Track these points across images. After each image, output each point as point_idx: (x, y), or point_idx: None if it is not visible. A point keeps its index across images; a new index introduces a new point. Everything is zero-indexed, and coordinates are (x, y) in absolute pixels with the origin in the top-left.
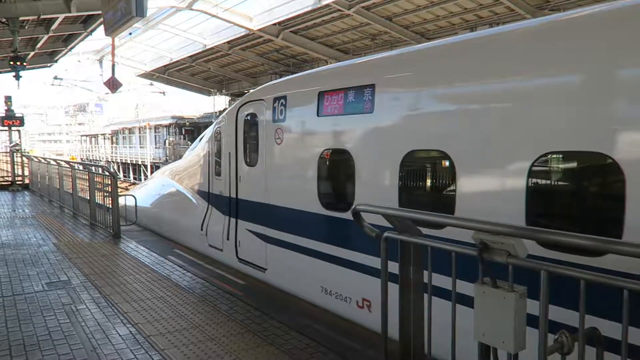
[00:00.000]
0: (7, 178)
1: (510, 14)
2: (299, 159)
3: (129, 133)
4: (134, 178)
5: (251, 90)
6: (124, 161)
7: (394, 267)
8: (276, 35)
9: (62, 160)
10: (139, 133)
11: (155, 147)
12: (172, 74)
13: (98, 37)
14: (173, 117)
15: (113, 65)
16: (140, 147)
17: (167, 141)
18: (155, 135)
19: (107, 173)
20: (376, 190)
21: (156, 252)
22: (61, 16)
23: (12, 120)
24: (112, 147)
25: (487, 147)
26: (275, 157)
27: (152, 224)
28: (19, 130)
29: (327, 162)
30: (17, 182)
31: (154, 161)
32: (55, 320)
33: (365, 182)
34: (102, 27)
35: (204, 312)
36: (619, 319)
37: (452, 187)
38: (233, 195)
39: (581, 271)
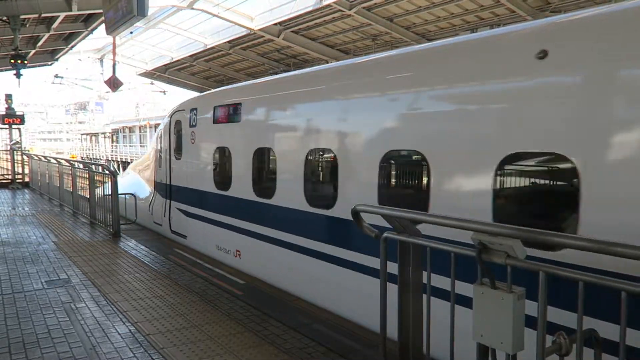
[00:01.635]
0: (7, 176)
1: (511, 15)
2: (202, 154)
3: (129, 132)
4: None
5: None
6: (124, 160)
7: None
8: (277, 35)
9: (62, 159)
10: (139, 132)
11: None
12: (172, 73)
13: (99, 35)
14: None
15: (114, 64)
16: (141, 145)
17: None
18: None
19: (107, 172)
20: (242, 175)
21: (156, 251)
22: (62, 15)
23: (12, 118)
24: (112, 145)
25: (293, 144)
26: (190, 152)
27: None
28: (19, 129)
29: (218, 156)
30: (17, 180)
31: None
32: (55, 319)
33: (237, 170)
34: (103, 25)
35: (203, 311)
36: (617, 320)
37: (273, 170)
38: (168, 182)
39: (579, 272)
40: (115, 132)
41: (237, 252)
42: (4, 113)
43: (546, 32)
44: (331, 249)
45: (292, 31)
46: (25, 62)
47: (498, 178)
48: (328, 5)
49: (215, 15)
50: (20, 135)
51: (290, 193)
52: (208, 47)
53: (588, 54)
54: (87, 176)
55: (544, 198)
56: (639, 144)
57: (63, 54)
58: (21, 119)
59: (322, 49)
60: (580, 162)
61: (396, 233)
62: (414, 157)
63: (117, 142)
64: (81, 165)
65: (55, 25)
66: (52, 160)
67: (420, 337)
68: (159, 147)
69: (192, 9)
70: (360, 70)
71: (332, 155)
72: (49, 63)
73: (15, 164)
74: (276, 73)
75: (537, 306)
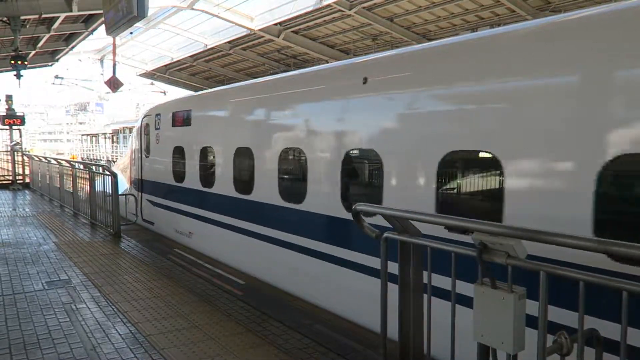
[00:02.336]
0: (7, 177)
1: (511, 15)
2: (164, 152)
3: (130, 132)
4: None
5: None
6: None
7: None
8: (277, 35)
9: (62, 160)
10: None
11: None
12: (172, 73)
13: (99, 36)
14: None
15: (114, 65)
16: None
17: None
18: None
19: (107, 172)
20: (192, 169)
21: (156, 251)
22: (62, 15)
23: (13, 119)
24: (112, 146)
25: (226, 144)
26: (155, 151)
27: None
28: (19, 129)
29: (176, 153)
30: (18, 181)
31: None
32: (55, 319)
33: (189, 164)
34: (103, 26)
35: (203, 312)
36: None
37: (213, 164)
38: (140, 177)
39: (580, 272)
40: (115, 132)
41: (189, 233)
42: (4, 114)
43: (368, 65)
44: (249, 225)
45: (292, 31)
46: (26, 63)
47: (343, 168)
48: (328, 5)
49: (215, 16)
50: (20, 136)
51: (224, 183)
52: (208, 47)
53: (391, 81)
54: (87, 177)
55: (367, 179)
56: (408, 142)
57: (63, 55)
58: (22, 120)
59: (323, 49)
60: (384, 156)
61: (397, 233)
62: (299, 153)
63: (118, 142)
64: (81, 166)
65: (55, 25)
66: (53, 161)
67: (421, 337)
68: (134, 147)
69: (192, 9)
70: (248, 90)
71: (250, 152)
72: (50, 64)
73: (16, 165)
74: (277, 74)
75: (538, 306)
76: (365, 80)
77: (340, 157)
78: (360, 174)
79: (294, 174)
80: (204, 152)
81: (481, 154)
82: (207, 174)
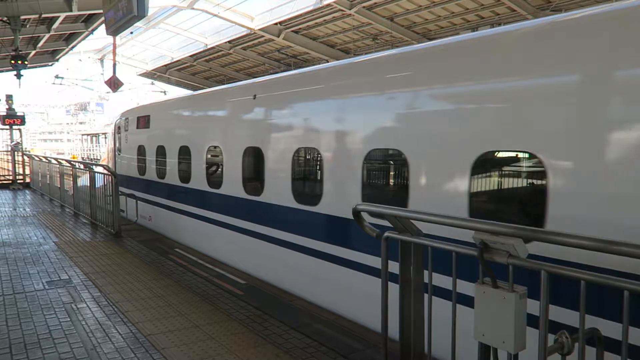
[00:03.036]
0: (8, 177)
1: (511, 14)
2: (132, 150)
3: None
4: None
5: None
6: None
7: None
8: (277, 35)
9: (62, 159)
10: None
11: None
12: (173, 73)
13: (99, 36)
14: None
15: (114, 64)
16: None
17: None
18: None
19: (107, 172)
20: (151, 164)
21: (157, 251)
22: (62, 15)
23: (13, 119)
24: None
25: (174, 143)
26: (125, 149)
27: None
28: (20, 129)
29: (139, 151)
30: (18, 181)
31: None
32: (56, 319)
33: (149, 161)
34: (103, 26)
35: (204, 311)
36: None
37: (165, 160)
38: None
39: (581, 271)
40: None
41: (150, 217)
42: (4, 114)
43: (256, 86)
44: (188, 207)
45: (292, 31)
46: (26, 62)
47: (244, 160)
48: (328, 5)
49: (215, 15)
50: (21, 136)
51: (172, 174)
52: (208, 47)
53: (274, 97)
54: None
55: (258, 171)
56: (280, 142)
57: (63, 55)
58: (22, 120)
59: (323, 48)
60: (265, 151)
61: (397, 232)
62: (219, 150)
63: None
64: (82, 166)
65: (55, 25)
66: (53, 161)
67: (422, 337)
68: (110, 147)
69: (193, 9)
70: (186, 101)
71: (189, 150)
72: (50, 63)
73: (16, 165)
74: (277, 73)
75: (539, 305)
76: (255, 97)
77: (241, 153)
78: (255, 167)
79: (216, 166)
80: (160, 150)
81: (314, 151)
82: (161, 168)
